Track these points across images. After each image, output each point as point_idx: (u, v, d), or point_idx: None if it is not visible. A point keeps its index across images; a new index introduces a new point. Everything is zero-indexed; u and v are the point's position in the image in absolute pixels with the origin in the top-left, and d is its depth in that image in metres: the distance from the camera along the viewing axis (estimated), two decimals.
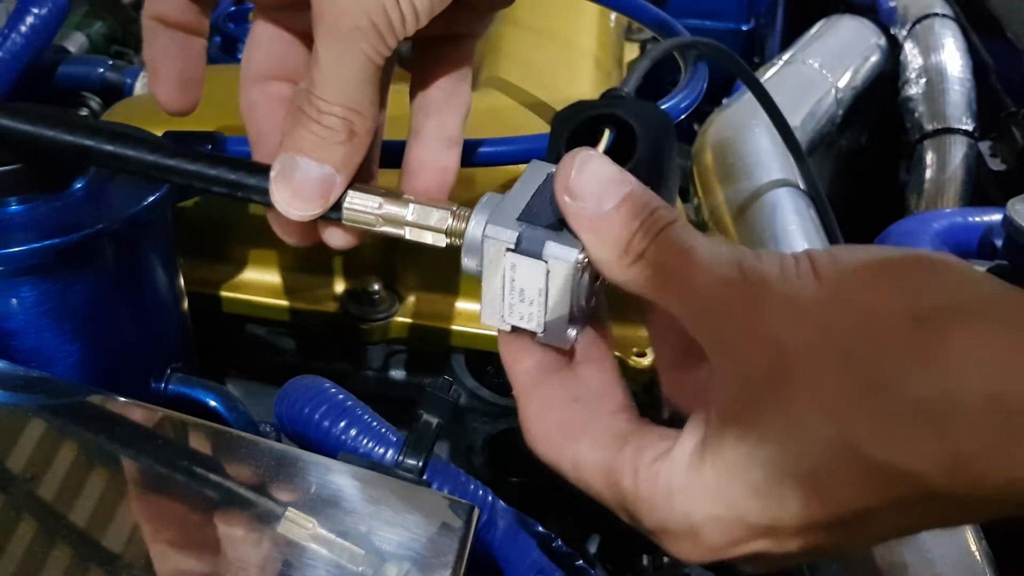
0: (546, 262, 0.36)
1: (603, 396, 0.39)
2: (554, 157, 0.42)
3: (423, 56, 0.43)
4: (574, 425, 0.37)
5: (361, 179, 0.40)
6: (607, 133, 0.42)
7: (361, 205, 0.39)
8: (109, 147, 0.41)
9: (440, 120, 0.43)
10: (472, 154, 0.54)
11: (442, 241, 0.39)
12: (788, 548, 0.33)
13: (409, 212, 0.39)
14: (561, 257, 0.36)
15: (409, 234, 0.39)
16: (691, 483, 0.33)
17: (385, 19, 0.36)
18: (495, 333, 0.64)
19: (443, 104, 0.43)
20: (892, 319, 0.30)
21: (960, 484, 0.29)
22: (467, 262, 0.38)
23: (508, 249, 0.36)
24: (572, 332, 0.38)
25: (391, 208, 0.39)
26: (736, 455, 0.32)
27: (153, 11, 0.43)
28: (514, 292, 0.37)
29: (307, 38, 0.41)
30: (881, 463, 0.29)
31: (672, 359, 0.39)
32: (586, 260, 0.36)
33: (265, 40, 0.43)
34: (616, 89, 0.48)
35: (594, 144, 0.40)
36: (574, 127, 0.43)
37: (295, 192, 0.38)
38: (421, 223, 0.39)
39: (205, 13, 0.43)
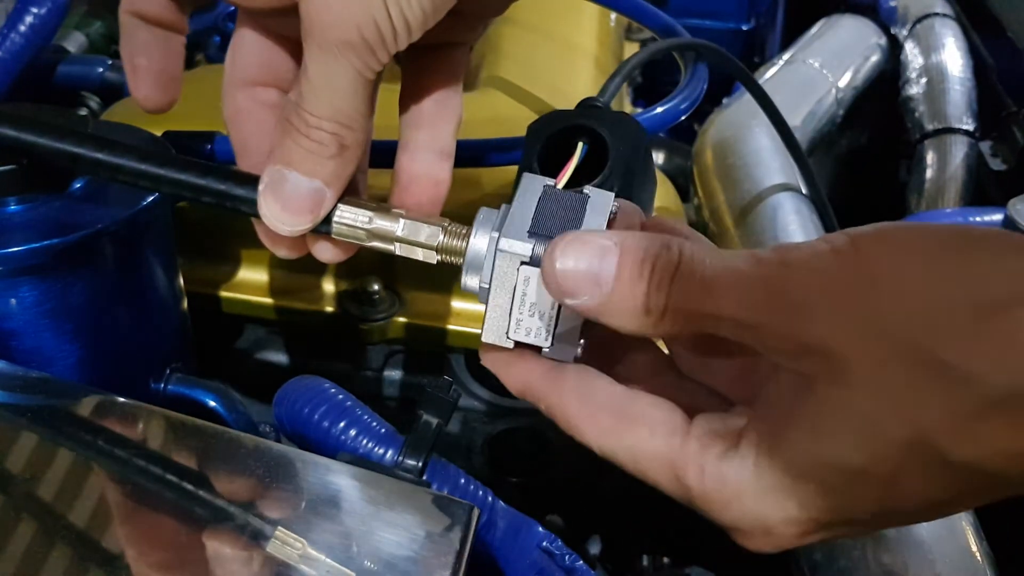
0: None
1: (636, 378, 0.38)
2: (528, 167, 0.41)
3: (413, 65, 0.42)
4: (624, 409, 0.36)
5: (351, 190, 0.39)
6: (580, 145, 0.41)
7: (351, 219, 0.39)
8: (98, 155, 0.41)
9: (432, 131, 0.42)
10: (471, 154, 0.54)
11: (433, 258, 0.39)
12: (859, 532, 0.34)
13: (399, 227, 0.39)
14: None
15: (399, 250, 0.39)
16: (762, 485, 0.33)
17: (376, 34, 0.35)
18: None
19: (435, 114, 0.42)
20: (954, 308, 0.29)
21: None
22: (468, 280, 0.38)
23: (523, 262, 0.36)
24: (579, 346, 0.37)
25: (381, 223, 0.39)
26: (806, 456, 0.32)
27: (132, 6, 0.42)
28: (524, 307, 0.36)
29: (293, 44, 0.40)
30: (961, 463, 0.29)
31: (687, 351, 0.39)
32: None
33: (249, 45, 0.41)
34: (593, 99, 0.47)
35: (569, 155, 0.40)
36: (547, 137, 0.43)
37: (284, 206, 0.37)
38: (411, 239, 0.38)
39: (184, 10, 0.42)
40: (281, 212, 0.38)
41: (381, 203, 0.40)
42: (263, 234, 0.40)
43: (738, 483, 0.33)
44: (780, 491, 0.33)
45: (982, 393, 0.28)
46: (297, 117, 0.36)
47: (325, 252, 0.40)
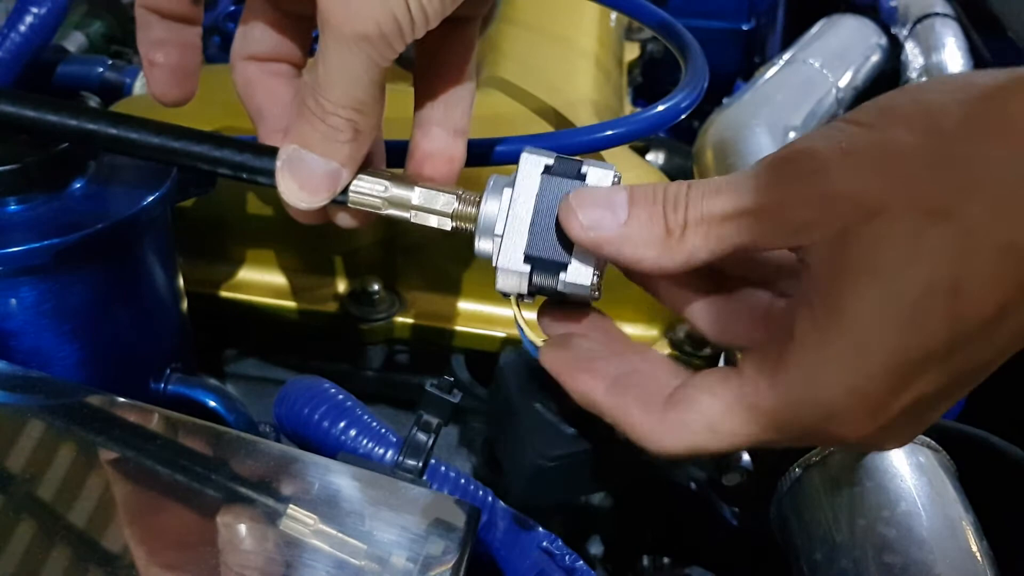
0: (584, 175, 0.37)
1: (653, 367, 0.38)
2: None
3: (425, 42, 0.42)
4: (678, 397, 0.36)
5: (370, 161, 0.40)
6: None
7: (367, 189, 0.40)
8: (113, 130, 0.42)
9: (446, 108, 0.42)
10: (472, 153, 0.54)
11: (447, 224, 0.40)
12: (940, 380, 0.32)
13: (415, 196, 0.40)
14: (599, 173, 0.37)
15: (415, 218, 0.40)
16: (832, 360, 0.32)
17: (395, 26, 0.35)
18: (496, 334, 0.64)
19: (448, 91, 0.42)
20: (950, 110, 0.31)
21: None
22: (481, 244, 0.39)
23: (547, 166, 0.37)
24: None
25: (397, 191, 0.40)
26: (861, 304, 0.31)
27: (146, 0, 0.42)
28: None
29: (303, 21, 0.41)
30: (1009, 244, 0.29)
31: (707, 297, 0.40)
32: (619, 179, 0.37)
33: (260, 24, 0.42)
34: None
35: None
36: None
37: (301, 185, 0.39)
38: (427, 207, 0.40)
39: (198, 1, 0.43)
40: (299, 191, 0.39)
41: (396, 172, 0.41)
42: (286, 204, 0.41)
43: (810, 369, 0.33)
44: (854, 354, 0.32)
45: (1008, 179, 0.30)
46: (314, 102, 0.37)
47: (344, 220, 0.42)
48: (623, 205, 0.35)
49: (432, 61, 0.42)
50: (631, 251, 0.35)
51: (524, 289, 0.38)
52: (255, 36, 0.42)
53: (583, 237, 0.36)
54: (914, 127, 0.31)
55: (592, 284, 0.37)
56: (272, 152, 0.40)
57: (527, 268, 0.37)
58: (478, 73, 0.77)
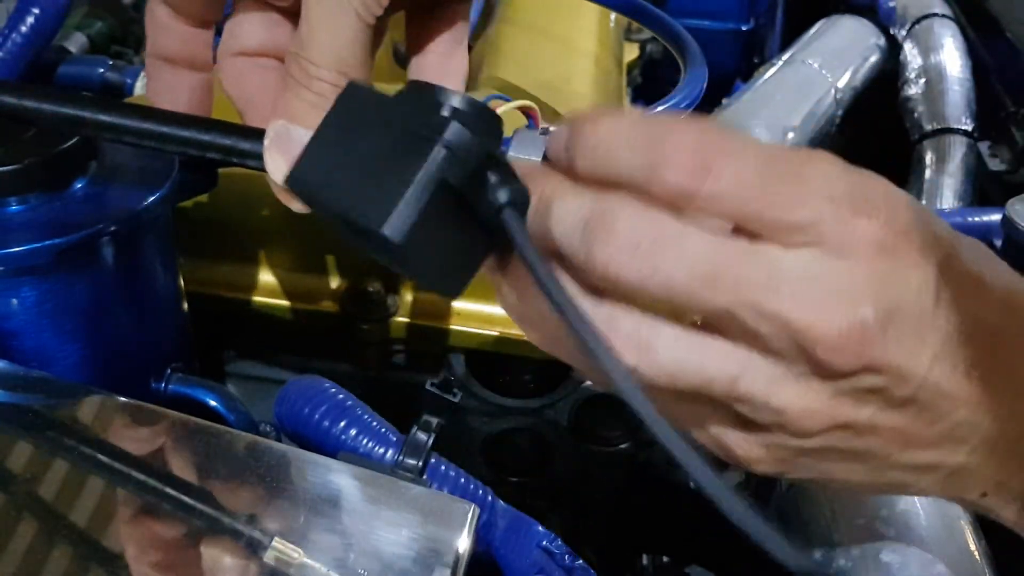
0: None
1: None
2: None
3: (416, 24, 0.42)
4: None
5: None
6: None
7: None
8: (102, 116, 0.41)
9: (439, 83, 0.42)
10: None
11: None
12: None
13: None
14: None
15: None
16: None
17: None
18: (495, 333, 0.64)
19: (440, 70, 0.42)
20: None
21: None
22: None
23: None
24: None
25: None
26: None
27: (155, 50, 0.42)
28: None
29: (291, 16, 0.41)
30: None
31: None
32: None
33: (251, 20, 0.42)
34: None
35: None
36: None
37: (289, 162, 0.37)
38: None
39: (209, 44, 0.43)
40: (287, 168, 0.37)
41: None
42: (276, 188, 0.41)
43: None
44: None
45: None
46: (298, 68, 0.36)
47: None
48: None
49: (422, 43, 0.42)
50: None
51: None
52: (244, 31, 0.42)
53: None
54: None
55: None
56: (260, 134, 0.39)
57: None
58: (478, 72, 0.77)
